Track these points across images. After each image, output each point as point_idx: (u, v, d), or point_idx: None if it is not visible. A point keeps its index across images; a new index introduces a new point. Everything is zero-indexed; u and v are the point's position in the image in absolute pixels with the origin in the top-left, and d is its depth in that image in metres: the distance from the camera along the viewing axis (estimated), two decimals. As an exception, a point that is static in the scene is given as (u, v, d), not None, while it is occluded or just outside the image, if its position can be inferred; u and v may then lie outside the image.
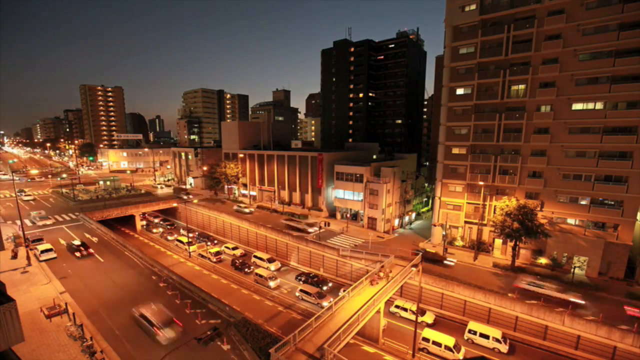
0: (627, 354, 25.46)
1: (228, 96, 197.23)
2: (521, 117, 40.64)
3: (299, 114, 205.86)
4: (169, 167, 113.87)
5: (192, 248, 50.45)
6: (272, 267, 44.24)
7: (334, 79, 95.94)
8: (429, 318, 32.42)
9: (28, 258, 37.72)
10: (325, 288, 38.44)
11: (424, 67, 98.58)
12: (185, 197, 71.77)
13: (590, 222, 38.03)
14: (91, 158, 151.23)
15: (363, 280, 30.26)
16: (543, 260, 39.81)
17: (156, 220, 67.49)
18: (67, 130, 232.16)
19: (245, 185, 76.91)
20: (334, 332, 22.51)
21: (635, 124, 34.66)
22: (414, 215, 63.21)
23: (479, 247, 43.76)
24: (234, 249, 50.96)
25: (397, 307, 34.06)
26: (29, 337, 23.72)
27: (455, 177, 46.48)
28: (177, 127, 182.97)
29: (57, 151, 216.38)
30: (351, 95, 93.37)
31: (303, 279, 40.31)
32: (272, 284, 39.11)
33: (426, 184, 75.07)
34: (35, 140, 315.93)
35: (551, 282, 34.15)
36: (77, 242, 42.94)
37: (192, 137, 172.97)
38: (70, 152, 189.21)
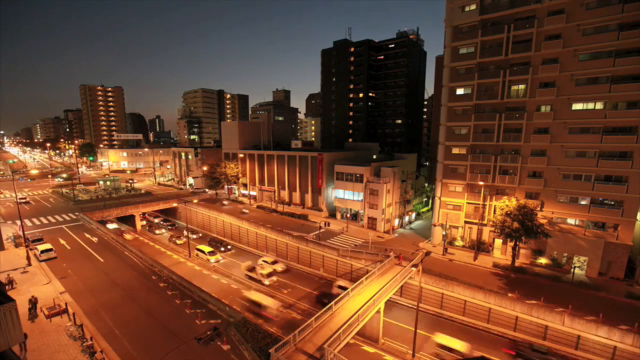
0: (627, 354, 25.44)
1: (228, 96, 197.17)
2: (521, 117, 40.62)
3: (299, 114, 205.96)
4: (169, 167, 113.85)
5: (213, 258, 44.60)
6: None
7: (334, 79, 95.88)
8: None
9: (28, 258, 37.70)
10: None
11: (424, 67, 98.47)
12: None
13: (590, 222, 38.03)
14: (91, 158, 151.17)
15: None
16: (543, 260, 39.83)
17: (156, 221, 67.47)
18: (67, 130, 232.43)
19: (245, 185, 76.97)
20: (334, 332, 22.54)
21: (635, 124, 34.64)
22: (414, 215, 63.24)
23: (479, 247, 43.75)
24: (273, 262, 42.21)
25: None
26: (29, 337, 23.67)
27: (455, 177, 46.48)
28: (177, 127, 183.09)
29: (57, 151, 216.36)
30: (351, 95, 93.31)
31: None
32: None
33: (426, 184, 75.07)
34: (35, 140, 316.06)
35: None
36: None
37: (192, 137, 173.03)
38: (70, 152, 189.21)
